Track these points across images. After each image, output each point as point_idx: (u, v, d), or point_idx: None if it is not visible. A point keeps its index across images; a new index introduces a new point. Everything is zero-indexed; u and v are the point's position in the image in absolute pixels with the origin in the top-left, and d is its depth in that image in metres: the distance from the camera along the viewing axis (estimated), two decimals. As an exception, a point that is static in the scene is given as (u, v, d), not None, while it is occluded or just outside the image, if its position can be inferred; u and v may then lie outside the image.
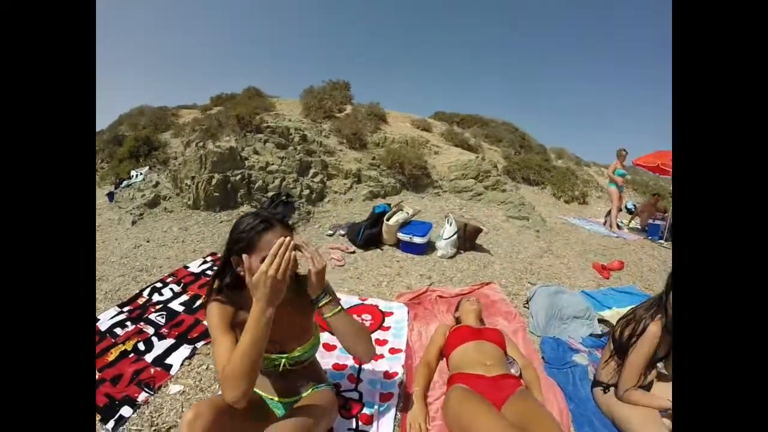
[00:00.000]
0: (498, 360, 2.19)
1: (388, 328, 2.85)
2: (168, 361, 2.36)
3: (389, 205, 4.63)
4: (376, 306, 3.12)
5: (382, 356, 2.52)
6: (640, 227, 8.78)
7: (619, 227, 8.57)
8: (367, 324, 2.89)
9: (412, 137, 8.02)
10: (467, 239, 4.41)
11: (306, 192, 5.63)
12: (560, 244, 5.75)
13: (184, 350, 2.46)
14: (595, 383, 2.30)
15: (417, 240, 4.12)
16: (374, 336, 2.73)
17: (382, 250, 4.26)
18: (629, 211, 11.20)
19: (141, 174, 6.65)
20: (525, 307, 3.45)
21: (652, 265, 5.51)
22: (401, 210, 4.48)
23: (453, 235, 4.19)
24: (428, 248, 4.33)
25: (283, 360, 1.51)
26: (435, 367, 2.33)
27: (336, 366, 2.35)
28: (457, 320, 2.84)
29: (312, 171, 6.07)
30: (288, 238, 1.23)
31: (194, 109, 12.75)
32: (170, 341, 2.54)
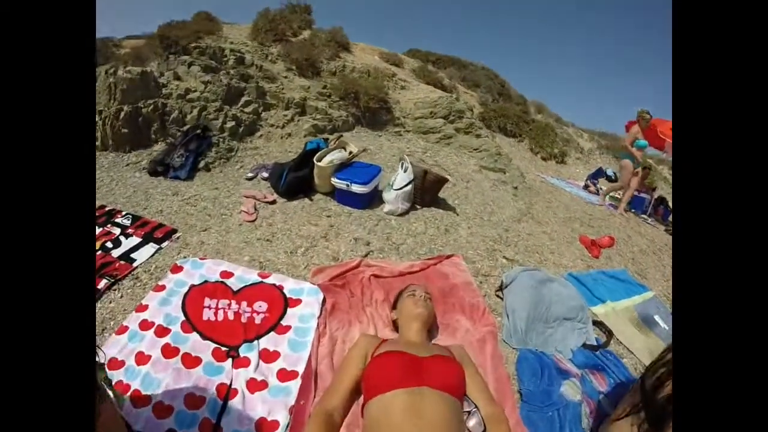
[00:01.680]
0: (444, 425, 1.29)
1: (286, 330, 1.89)
2: (133, 255, 2.31)
3: (326, 140, 3.50)
4: (280, 287, 2.14)
5: (264, 385, 1.58)
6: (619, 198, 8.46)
7: (598, 193, 8.11)
8: (258, 320, 1.90)
9: (376, 68, 6.84)
10: (426, 191, 3.35)
11: (231, 124, 4.49)
12: (542, 207, 4.89)
13: (150, 248, 2.41)
14: None
15: (356, 188, 3.04)
16: (263, 342, 1.81)
17: (311, 200, 3.20)
18: (609, 179, 10.74)
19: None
20: (498, 296, 2.53)
21: (642, 246, 4.85)
22: (342, 148, 3.35)
23: (407, 184, 3.12)
24: (374, 201, 3.27)
25: None
26: (341, 422, 1.42)
27: (189, 399, 1.44)
28: (394, 324, 1.84)
29: (244, 99, 4.90)
30: None
31: (141, 39, 11.30)
32: (137, 239, 2.48)
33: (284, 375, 1.59)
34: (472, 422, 1.47)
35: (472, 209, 3.79)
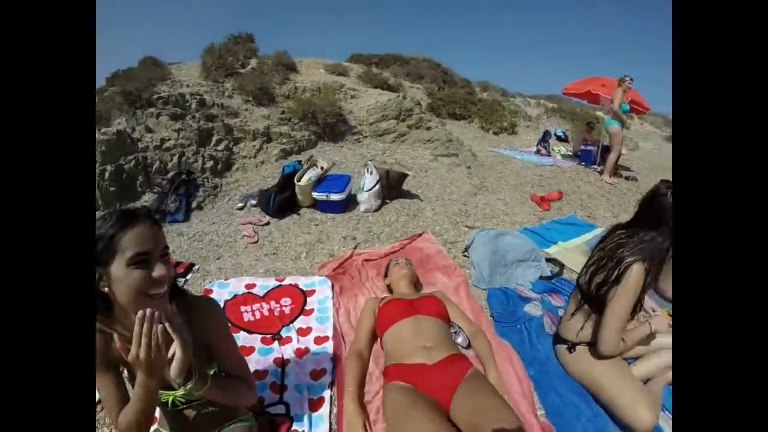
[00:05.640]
0: (440, 338, 1.87)
1: (311, 312, 2.44)
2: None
3: (299, 162, 4.07)
4: (296, 285, 2.70)
5: (307, 350, 2.13)
6: (572, 153, 9.10)
7: (550, 154, 8.73)
8: (287, 311, 2.43)
9: (324, 83, 7.35)
10: (392, 187, 3.98)
11: (210, 164, 4.97)
12: (494, 179, 5.53)
13: (178, 283, 2.28)
14: (558, 340, 2.10)
15: (335, 197, 3.65)
16: (296, 324, 2.35)
17: (299, 215, 3.77)
18: (559, 138, 11.39)
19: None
20: (465, 255, 3.16)
21: (590, 192, 5.49)
22: (314, 166, 3.93)
23: (375, 184, 3.73)
24: (350, 204, 3.88)
25: (171, 397, 1.21)
26: (368, 356, 1.99)
27: (255, 374, 1.92)
28: (389, 288, 2.44)
29: (215, 138, 5.36)
30: (150, 311, 0.97)
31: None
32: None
33: (319, 340, 2.17)
34: (459, 339, 2.08)
35: (433, 193, 4.43)
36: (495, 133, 10.48)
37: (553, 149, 9.47)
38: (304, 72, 8.61)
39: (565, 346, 2.01)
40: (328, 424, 1.69)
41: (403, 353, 1.79)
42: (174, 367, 1.02)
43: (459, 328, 2.11)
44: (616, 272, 1.73)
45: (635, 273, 1.68)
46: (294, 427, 1.66)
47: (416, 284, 2.54)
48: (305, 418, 1.69)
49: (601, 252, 1.87)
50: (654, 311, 2.33)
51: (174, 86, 6.76)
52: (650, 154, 12.74)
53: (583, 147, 8.27)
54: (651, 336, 1.96)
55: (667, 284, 2.64)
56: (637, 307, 1.81)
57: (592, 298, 1.84)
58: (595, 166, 7.39)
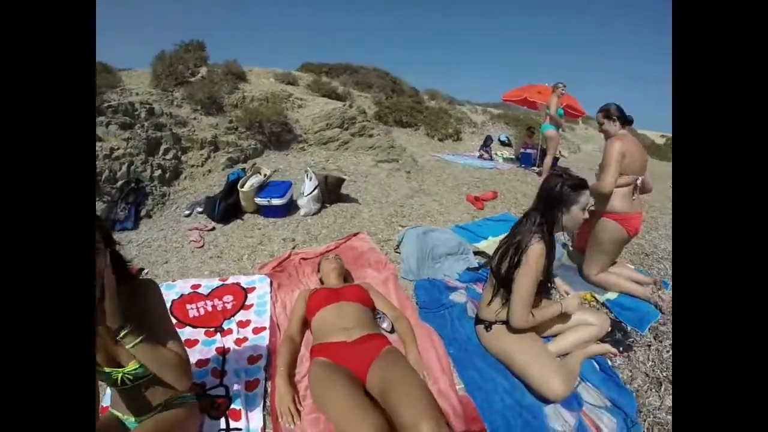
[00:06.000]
0: (360, 320, 2.12)
1: (250, 306, 2.74)
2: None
3: (243, 170, 4.33)
4: (238, 284, 2.97)
5: (245, 339, 2.41)
6: (513, 156, 9.49)
7: (492, 158, 9.15)
8: (229, 307, 2.71)
9: (273, 93, 7.59)
10: (330, 191, 4.32)
11: (158, 172, 5.11)
12: (432, 182, 5.93)
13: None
14: (477, 321, 2.29)
15: (276, 202, 3.95)
16: (237, 317, 2.62)
17: (243, 220, 4.03)
18: (502, 143, 11.97)
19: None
20: (397, 252, 3.47)
21: (525, 191, 5.92)
22: (258, 173, 4.20)
23: (314, 189, 4.06)
24: (292, 208, 4.19)
25: (120, 374, 1.40)
26: (300, 341, 2.24)
27: (199, 363, 2.20)
28: (321, 281, 2.73)
29: (163, 147, 5.50)
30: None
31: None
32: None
33: (257, 330, 2.46)
34: (384, 324, 2.35)
35: (371, 197, 4.80)
36: (440, 140, 11.01)
37: (496, 153, 9.98)
38: (254, 81, 8.80)
39: (483, 325, 2.21)
40: (262, 401, 1.94)
41: (326, 333, 2.04)
42: (106, 309, 1.24)
43: (383, 314, 2.41)
44: (517, 255, 1.99)
45: (531, 252, 1.94)
46: (232, 406, 1.90)
47: (346, 277, 2.85)
48: (242, 397, 1.95)
49: (505, 238, 2.14)
50: (567, 293, 2.53)
51: (124, 94, 6.78)
52: (590, 156, 13.61)
53: (522, 150, 8.77)
54: (564, 316, 2.20)
55: (590, 268, 3.04)
56: (546, 283, 2.08)
57: (503, 280, 2.06)
58: (534, 168, 7.82)
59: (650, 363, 2.30)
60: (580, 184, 2.05)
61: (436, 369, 2.05)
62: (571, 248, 3.53)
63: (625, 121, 2.94)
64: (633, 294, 2.93)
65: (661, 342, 2.46)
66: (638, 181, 2.87)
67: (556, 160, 8.14)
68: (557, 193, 2.05)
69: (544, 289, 2.18)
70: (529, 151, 8.52)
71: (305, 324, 2.32)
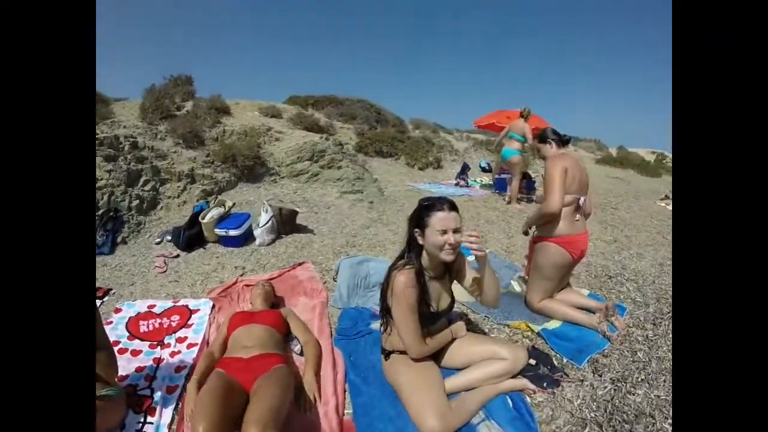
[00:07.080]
0: (262, 341, 2.37)
1: (191, 325, 3.15)
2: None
3: (208, 202, 4.80)
4: (186, 305, 3.39)
5: (179, 352, 2.82)
6: (491, 182, 9.52)
7: (468, 185, 9.42)
8: (174, 324, 3.15)
9: (252, 127, 8.06)
10: (285, 223, 4.77)
11: (136, 203, 5.58)
12: (393, 212, 6.24)
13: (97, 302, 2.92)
14: (381, 350, 2.35)
15: (233, 233, 4.43)
16: (178, 334, 3.03)
17: (205, 249, 4.50)
18: (483, 170, 12.31)
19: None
20: (335, 280, 3.76)
21: (490, 218, 6.09)
22: (221, 205, 4.68)
23: (268, 221, 4.52)
24: (248, 239, 4.69)
25: None
26: (219, 356, 2.45)
27: (137, 368, 2.64)
28: (251, 306, 3.11)
29: (142, 179, 5.97)
30: None
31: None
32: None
33: (190, 346, 2.90)
34: (296, 347, 2.69)
35: (328, 227, 5.26)
36: (420, 169, 11.38)
37: (474, 180, 10.27)
38: (238, 114, 9.28)
39: (384, 354, 2.28)
40: (175, 402, 2.32)
41: (231, 350, 2.33)
42: None
43: (295, 337, 2.74)
44: (388, 286, 2.06)
45: (396, 282, 1.97)
46: (153, 404, 2.28)
47: (275, 303, 3.23)
48: (161, 397, 2.35)
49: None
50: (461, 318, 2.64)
51: (113, 127, 7.21)
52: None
53: (497, 176, 8.85)
54: (473, 348, 2.21)
55: (532, 295, 3.00)
56: (423, 308, 2.03)
57: (385, 310, 2.15)
58: (507, 192, 7.78)
59: (579, 401, 2.12)
60: (433, 204, 1.97)
61: (329, 391, 2.21)
62: (526, 276, 3.37)
63: (562, 141, 2.96)
64: (577, 322, 2.82)
65: (601, 376, 2.31)
66: (580, 201, 2.82)
67: (532, 182, 8.43)
68: (412, 215, 2.06)
69: (428, 319, 2.12)
70: (503, 176, 8.48)
71: (225, 341, 2.55)
